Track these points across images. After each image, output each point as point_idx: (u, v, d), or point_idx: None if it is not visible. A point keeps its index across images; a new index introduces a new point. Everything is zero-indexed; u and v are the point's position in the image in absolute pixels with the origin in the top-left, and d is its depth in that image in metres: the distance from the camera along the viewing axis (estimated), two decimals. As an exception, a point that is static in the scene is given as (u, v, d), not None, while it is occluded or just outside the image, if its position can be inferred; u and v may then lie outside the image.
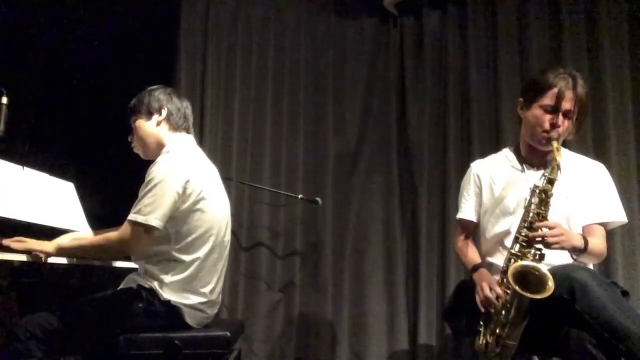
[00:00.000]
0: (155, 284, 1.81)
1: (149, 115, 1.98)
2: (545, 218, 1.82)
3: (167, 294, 1.80)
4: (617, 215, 1.99)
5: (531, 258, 1.80)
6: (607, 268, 2.75)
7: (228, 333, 1.85)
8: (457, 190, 2.39)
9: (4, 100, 2.06)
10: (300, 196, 3.12)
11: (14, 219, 1.98)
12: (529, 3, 3.14)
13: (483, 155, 2.28)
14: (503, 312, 1.76)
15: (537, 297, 1.64)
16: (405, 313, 3.15)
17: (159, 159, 1.85)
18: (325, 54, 3.41)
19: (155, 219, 1.75)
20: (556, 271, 1.72)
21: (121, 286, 1.90)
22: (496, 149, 2.27)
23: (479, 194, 2.13)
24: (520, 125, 2.07)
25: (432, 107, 3.29)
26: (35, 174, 2.30)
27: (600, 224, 1.98)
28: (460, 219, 2.19)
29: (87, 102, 3.01)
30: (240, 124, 3.27)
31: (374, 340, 3.13)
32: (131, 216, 1.77)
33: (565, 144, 2.04)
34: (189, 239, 1.84)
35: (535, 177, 1.96)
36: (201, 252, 1.86)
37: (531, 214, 1.84)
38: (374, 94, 3.41)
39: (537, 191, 1.84)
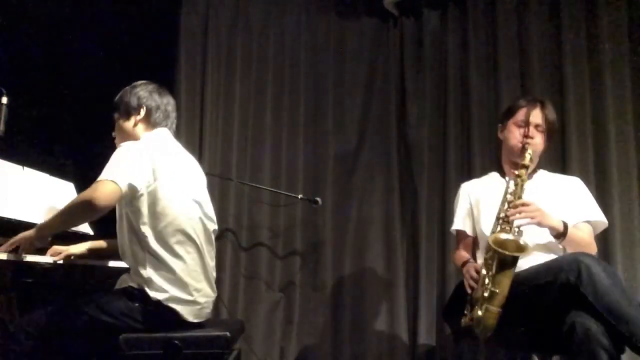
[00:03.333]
0: (142, 282, 1.79)
1: (128, 115, 1.99)
2: (520, 198, 1.97)
3: (153, 292, 1.78)
4: (598, 215, 2.12)
5: (511, 233, 1.92)
6: (607, 268, 2.74)
7: (228, 333, 1.84)
8: (457, 189, 2.41)
9: (4, 100, 2.06)
10: (300, 196, 3.12)
11: (14, 219, 1.98)
12: (529, 3, 3.14)
13: (483, 154, 2.33)
14: (486, 281, 1.84)
15: (516, 254, 1.77)
16: (405, 313, 3.15)
17: (124, 143, 1.84)
18: (325, 54, 3.41)
19: (121, 178, 1.71)
20: (561, 258, 1.82)
21: (116, 287, 1.90)
22: (496, 148, 2.29)
23: (471, 210, 2.29)
24: (500, 151, 2.27)
25: (432, 107, 3.29)
26: (35, 174, 2.30)
27: (585, 222, 2.10)
28: (456, 230, 2.33)
29: (87, 102, 3.01)
30: (240, 124, 3.27)
31: (374, 340, 3.13)
32: (99, 177, 1.74)
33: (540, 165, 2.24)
34: (164, 226, 1.81)
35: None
36: (180, 238, 1.83)
37: (509, 197, 2.00)
38: (374, 94, 3.41)
39: (512, 179, 2.03)
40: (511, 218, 1.93)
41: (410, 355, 3.11)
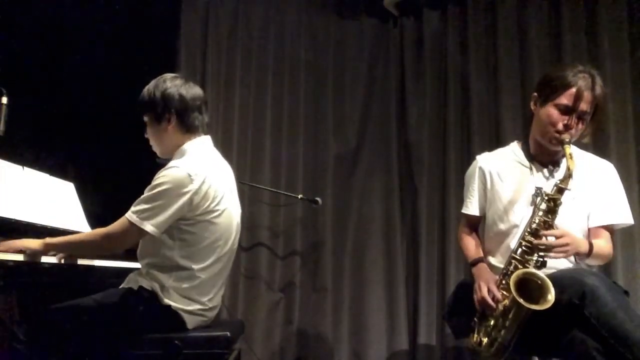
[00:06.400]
0: (157, 287, 1.79)
1: (158, 120, 1.87)
2: (551, 226, 1.80)
3: (167, 299, 1.78)
4: (624, 217, 1.94)
5: (533, 265, 1.79)
6: (607, 268, 2.74)
7: (228, 333, 1.84)
8: (457, 190, 2.40)
9: (4, 100, 2.06)
10: (300, 196, 3.12)
11: (14, 219, 1.98)
12: (529, 3, 3.14)
13: (483, 154, 2.25)
14: (501, 318, 1.76)
15: (537, 308, 1.63)
16: (405, 313, 3.15)
17: (171, 163, 1.79)
18: (325, 54, 3.42)
19: (150, 225, 1.70)
20: (565, 275, 1.70)
21: (122, 285, 1.88)
22: (496, 148, 2.25)
23: (484, 190, 2.08)
24: (530, 120, 2.00)
25: (432, 107, 3.30)
26: (35, 174, 2.30)
27: (606, 226, 1.95)
28: (466, 215, 2.15)
29: (87, 102, 3.01)
30: (240, 124, 3.27)
31: (374, 340, 3.13)
32: (128, 214, 1.73)
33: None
34: (195, 248, 1.80)
35: (543, 176, 1.96)
36: (207, 262, 1.83)
37: (537, 220, 1.81)
38: (374, 94, 3.41)
39: (546, 198, 1.80)
40: (535, 248, 1.77)
41: (410, 355, 3.11)
